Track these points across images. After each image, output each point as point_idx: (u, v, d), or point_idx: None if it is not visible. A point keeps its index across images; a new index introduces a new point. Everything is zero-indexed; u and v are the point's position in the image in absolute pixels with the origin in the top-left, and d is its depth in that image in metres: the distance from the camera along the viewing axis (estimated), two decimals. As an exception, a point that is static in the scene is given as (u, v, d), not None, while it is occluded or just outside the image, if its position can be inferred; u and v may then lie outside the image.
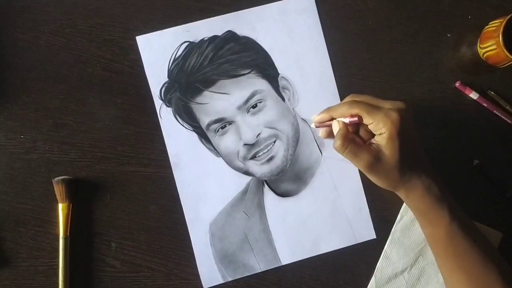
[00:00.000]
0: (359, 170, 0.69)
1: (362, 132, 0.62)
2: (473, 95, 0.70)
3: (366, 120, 0.59)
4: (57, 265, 0.65)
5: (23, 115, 0.68)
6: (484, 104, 0.70)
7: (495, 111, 0.70)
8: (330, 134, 0.63)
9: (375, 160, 0.58)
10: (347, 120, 0.60)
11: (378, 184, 0.61)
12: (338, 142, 0.59)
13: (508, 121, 0.70)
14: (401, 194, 0.61)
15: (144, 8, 0.70)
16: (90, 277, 0.67)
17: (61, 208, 0.66)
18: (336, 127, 0.61)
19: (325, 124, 0.63)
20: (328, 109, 0.62)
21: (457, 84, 0.70)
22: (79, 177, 0.68)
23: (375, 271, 0.68)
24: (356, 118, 0.59)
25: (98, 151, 0.68)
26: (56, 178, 0.66)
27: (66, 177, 0.67)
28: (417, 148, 0.61)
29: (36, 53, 0.69)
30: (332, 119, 0.62)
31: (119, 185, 0.68)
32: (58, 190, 0.66)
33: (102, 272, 0.67)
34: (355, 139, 0.60)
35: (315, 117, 0.64)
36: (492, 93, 0.70)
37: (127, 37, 0.69)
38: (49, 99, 0.69)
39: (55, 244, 0.66)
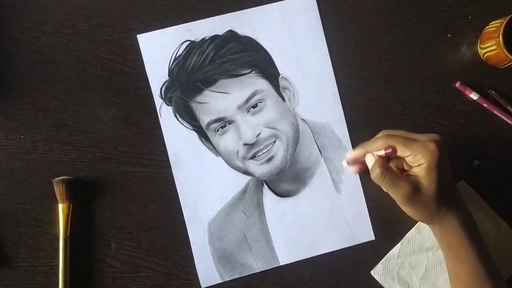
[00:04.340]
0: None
1: (393, 167, 0.62)
2: (473, 96, 0.70)
3: (403, 152, 0.58)
4: (57, 265, 0.66)
5: (23, 115, 0.68)
6: (484, 105, 0.70)
7: (495, 112, 0.70)
8: (362, 170, 0.63)
9: (414, 190, 0.57)
10: (381, 152, 0.60)
11: (414, 217, 0.60)
12: (377, 171, 0.59)
13: (509, 121, 0.70)
14: (435, 227, 0.61)
15: (144, 8, 0.70)
16: (90, 278, 0.67)
17: (61, 208, 0.66)
18: (370, 159, 0.60)
19: (358, 161, 0.63)
20: (363, 146, 0.62)
21: (457, 85, 0.70)
22: (79, 177, 0.68)
23: (403, 239, 0.69)
24: (390, 150, 0.59)
25: (98, 151, 0.68)
26: (56, 178, 0.66)
27: (66, 177, 0.67)
28: (452, 180, 0.60)
29: (36, 53, 0.69)
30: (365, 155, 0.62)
31: (119, 185, 0.68)
32: (58, 190, 0.66)
33: (102, 272, 0.67)
34: (392, 169, 0.60)
35: (349, 155, 0.63)
36: (493, 92, 0.70)
37: (127, 37, 0.69)
38: (49, 99, 0.69)
39: (55, 244, 0.66)
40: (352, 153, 0.63)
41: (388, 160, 0.62)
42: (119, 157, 0.69)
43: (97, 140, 0.69)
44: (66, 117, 0.69)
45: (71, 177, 0.67)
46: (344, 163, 0.64)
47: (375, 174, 0.59)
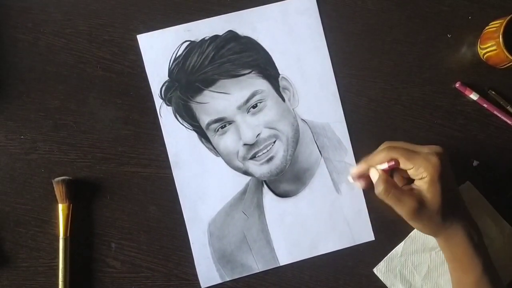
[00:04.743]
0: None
1: (396, 179, 0.62)
2: (473, 96, 0.70)
3: (406, 165, 0.58)
4: (57, 265, 0.65)
5: (23, 116, 0.68)
6: (484, 105, 0.70)
7: (495, 112, 0.70)
8: (368, 185, 0.63)
9: (418, 205, 0.57)
10: (385, 165, 0.60)
11: (420, 230, 0.61)
12: (381, 187, 0.59)
13: (509, 121, 0.70)
14: (440, 239, 0.61)
15: (144, 8, 0.70)
16: (90, 278, 0.67)
17: (61, 209, 0.66)
18: (374, 174, 0.60)
19: (364, 176, 0.63)
20: (365, 160, 0.62)
21: (457, 85, 0.70)
22: (79, 177, 0.68)
23: (407, 237, 0.69)
24: (393, 163, 0.59)
25: (98, 151, 0.68)
26: (56, 179, 0.66)
27: (66, 177, 0.67)
28: (456, 191, 0.61)
29: (36, 54, 0.69)
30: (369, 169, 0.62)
31: (119, 185, 0.68)
32: (58, 190, 0.66)
33: (102, 272, 0.67)
34: (396, 184, 0.60)
35: (353, 170, 0.63)
36: (493, 92, 0.70)
37: (127, 37, 0.69)
38: (49, 100, 0.69)
39: (55, 244, 0.66)
40: (355, 168, 0.63)
41: (392, 172, 0.62)
42: (119, 157, 0.69)
43: (97, 140, 0.69)
44: (66, 117, 0.69)
45: (71, 177, 0.67)
46: (350, 179, 0.64)
47: (379, 190, 0.59)
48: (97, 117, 0.69)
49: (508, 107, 0.70)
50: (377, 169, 0.60)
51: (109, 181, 0.68)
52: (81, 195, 0.68)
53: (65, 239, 0.66)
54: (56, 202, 0.66)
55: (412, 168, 0.58)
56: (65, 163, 0.68)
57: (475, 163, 0.70)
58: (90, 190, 0.68)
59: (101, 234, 0.68)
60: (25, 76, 0.69)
